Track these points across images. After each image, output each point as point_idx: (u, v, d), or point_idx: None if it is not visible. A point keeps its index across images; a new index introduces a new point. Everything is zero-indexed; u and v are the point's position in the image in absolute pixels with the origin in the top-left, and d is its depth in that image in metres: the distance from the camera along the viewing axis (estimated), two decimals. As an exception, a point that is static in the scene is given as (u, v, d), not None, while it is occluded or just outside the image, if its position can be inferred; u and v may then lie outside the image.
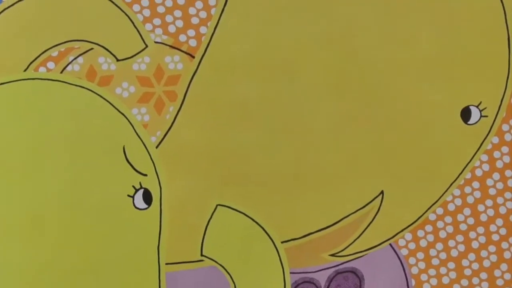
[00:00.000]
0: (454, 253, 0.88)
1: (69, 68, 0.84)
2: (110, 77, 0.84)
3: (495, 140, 0.88)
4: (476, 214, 0.88)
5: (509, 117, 0.88)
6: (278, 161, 0.86)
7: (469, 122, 0.87)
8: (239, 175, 0.85)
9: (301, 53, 0.85)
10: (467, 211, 0.88)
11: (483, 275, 0.89)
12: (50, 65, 0.84)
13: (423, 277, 0.89)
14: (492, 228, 0.88)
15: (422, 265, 0.88)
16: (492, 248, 0.88)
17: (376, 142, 0.86)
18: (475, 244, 0.88)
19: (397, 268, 0.88)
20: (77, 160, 0.83)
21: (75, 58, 0.84)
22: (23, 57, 0.83)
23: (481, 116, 0.87)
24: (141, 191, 0.84)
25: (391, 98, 0.86)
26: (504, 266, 0.89)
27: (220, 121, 0.85)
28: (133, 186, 0.84)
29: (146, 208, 0.84)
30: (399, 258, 0.88)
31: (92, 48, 0.84)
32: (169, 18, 0.85)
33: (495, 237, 0.88)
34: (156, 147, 0.85)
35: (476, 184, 0.88)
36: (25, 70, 0.84)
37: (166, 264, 0.85)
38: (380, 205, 0.87)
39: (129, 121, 0.84)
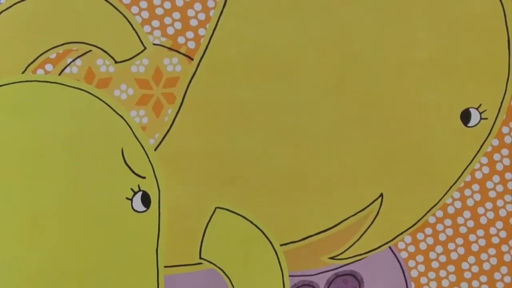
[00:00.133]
0: (454, 256, 0.88)
1: (67, 70, 0.84)
2: (109, 79, 0.84)
3: (495, 142, 0.88)
4: (476, 217, 0.88)
5: (509, 119, 0.87)
6: (277, 163, 0.86)
7: (469, 125, 0.87)
8: (238, 177, 0.85)
9: (300, 55, 0.85)
10: (467, 214, 0.88)
11: (483, 278, 0.88)
12: (48, 67, 0.84)
13: (423, 280, 0.88)
14: (492, 230, 0.88)
15: (421, 268, 0.88)
16: (492, 251, 0.88)
17: (376, 145, 0.86)
18: (475, 247, 0.88)
19: (397, 271, 0.88)
20: (75, 163, 0.83)
21: (73, 60, 0.84)
22: (21, 59, 0.83)
23: (481, 118, 0.87)
24: (140, 193, 0.83)
25: (390, 100, 0.86)
26: (504, 269, 0.88)
27: (219, 124, 0.85)
28: (132, 189, 0.83)
29: (144, 211, 0.84)
30: (398, 261, 0.88)
31: (90, 50, 0.84)
32: (167, 20, 0.85)
33: (495, 240, 0.88)
34: (155, 149, 0.85)
35: (476, 187, 0.88)
36: (23, 72, 0.83)
37: (165, 267, 0.85)
38: (380, 207, 0.87)
39: (127, 123, 0.84)
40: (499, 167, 0.88)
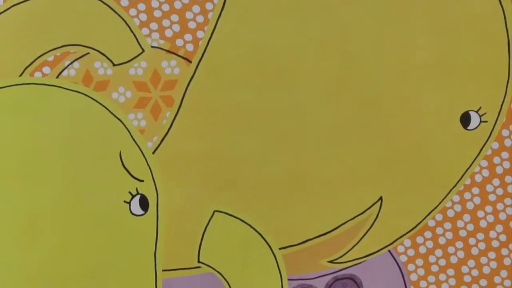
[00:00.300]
0: (453, 259, 0.88)
1: (65, 73, 0.84)
2: (107, 82, 0.84)
3: (495, 145, 0.87)
4: (475, 220, 0.88)
5: (509, 122, 0.87)
6: (276, 166, 0.85)
7: (468, 128, 0.87)
8: (237, 180, 0.85)
9: (299, 58, 0.85)
10: (466, 217, 0.88)
11: (483, 282, 0.88)
12: (46, 70, 0.84)
13: (422, 284, 0.88)
14: (492, 234, 0.88)
15: (421, 271, 0.88)
16: (492, 255, 0.88)
17: (375, 147, 0.86)
18: (474, 251, 0.88)
19: (396, 274, 0.88)
20: (73, 166, 0.83)
21: (71, 63, 0.84)
22: (18, 62, 0.83)
23: (480, 121, 0.87)
24: (138, 197, 0.83)
25: (390, 103, 0.86)
26: (504, 273, 0.88)
27: (218, 126, 0.85)
28: (130, 192, 0.83)
29: (142, 214, 0.84)
30: (398, 265, 0.88)
31: (88, 53, 0.84)
32: (166, 23, 0.85)
33: (495, 244, 0.88)
34: (153, 152, 0.84)
35: (475, 190, 0.87)
36: (20, 75, 0.83)
37: (163, 270, 0.85)
38: (379, 211, 0.86)
39: (125, 126, 0.84)
40: (499, 170, 0.88)
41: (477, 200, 0.88)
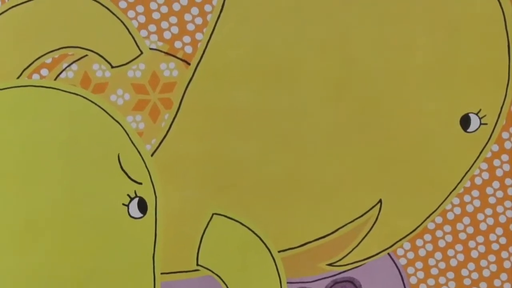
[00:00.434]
0: (453, 262, 0.88)
1: (63, 75, 0.84)
2: (105, 84, 0.84)
3: (495, 148, 0.87)
4: (475, 223, 0.88)
5: (509, 124, 0.87)
6: (275, 169, 0.85)
7: (468, 130, 0.87)
8: (236, 183, 0.85)
9: (299, 60, 0.85)
10: (466, 220, 0.87)
11: (483, 285, 0.88)
12: (44, 72, 0.84)
13: (422, 287, 0.88)
14: (492, 237, 0.88)
15: (421, 274, 0.88)
16: (492, 258, 0.88)
17: (374, 150, 0.86)
18: (474, 254, 0.88)
19: (396, 278, 0.88)
20: (71, 168, 0.83)
21: (69, 65, 0.84)
22: (16, 64, 0.83)
23: (480, 123, 0.87)
24: (136, 199, 0.83)
25: (389, 105, 0.86)
26: (504, 276, 0.88)
27: (217, 129, 0.85)
28: (128, 195, 0.83)
29: (141, 217, 0.83)
30: (397, 268, 0.87)
31: (86, 55, 0.84)
32: (164, 25, 0.84)
33: (495, 247, 0.88)
34: (151, 155, 0.84)
35: (475, 193, 0.87)
36: (18, 77, 0.83)
37: (162, 273, 0.84)
38: (379, 214, 0.86)
39: (124, 129, 0.84)
40: (499, 172, 0.87)
41: (477, 203, 0.87)
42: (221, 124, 0.85)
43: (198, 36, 0.85)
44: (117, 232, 0.83)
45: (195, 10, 0.85)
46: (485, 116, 0.87)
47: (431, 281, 0.88)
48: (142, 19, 0.84)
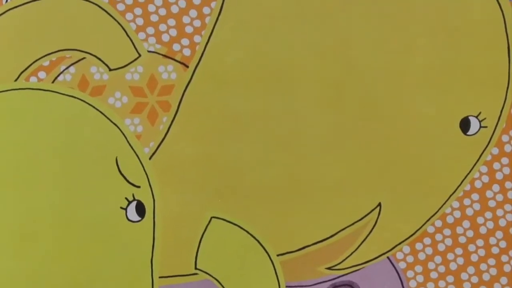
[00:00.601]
0: (453, 266, 0.88)
1: (60, 78, 0.84)
2: (103, 87, 0.84)
3: (495, 151, 0.87)
4: (475, 227, 0.87)
5: (509, 127, 0.87)
6: (274, 172, 0.85)
7: (468, 133, 0.86)
8: (234, 186, 0.85)
9: (297, 63, 0.85)
10: (466, 224, 0.87)
11: (483, 289, 0.88)
12: (41, 74, 0.83)
13: (422, 291, 0.88)
14: (492, 241, 0.87)
15: (420, 278, 0.88)
16: (491, 261, 0.88)
17: (373, 153, 0.86)
18: (474, 257, 0.88)
19: (395, 281, 0.87)
20: (68, 172, 0.83)
21: (67, 68, 0.84)
22: (13, 66, 0.83)
23: (480, 126, 0.86)
24: (134, 203, 0.83)
25: (388, 109, 0.85)
26: (504, 280, 0.88)
27: (215, 132, 0.84)
28: (126, 198, 0.83)
29: (139, 221, 0.83)
30: (396, 272, 0.87)
31: (84, 58, 0.84)
32: (162, 27, 0.84)
33: (495, 250, 0.88)
34: (150, 158, 0.84)
35: (475, 196, 0.87)
36: (15, 80, 0.83)
37: (160, 277, 0.84)
38: (378, 217, 0.86)
39: (122, 132, 0.84)
40: (499, 176, 0.87)
41: (476, 206, 0.87)
42: (219, 127, 0.84)
43: (197, 38, 0.85)
44: (115, 235, 0.83)
45: (193, 13, 0.84)
46: (485, 119, 0.86)
47: (430, 285, 0.88)
48: (140, 21, 0.84)
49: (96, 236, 0.83)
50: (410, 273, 0.87)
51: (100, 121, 0.83)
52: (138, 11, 0.84)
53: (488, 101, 0.86)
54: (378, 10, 0.85)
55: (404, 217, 0.86)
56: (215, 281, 0.85)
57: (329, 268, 0.87)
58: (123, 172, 0.83)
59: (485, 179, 0.87)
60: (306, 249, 0.86)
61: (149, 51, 0.84)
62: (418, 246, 0.87)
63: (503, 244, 0.88)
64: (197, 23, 0.85)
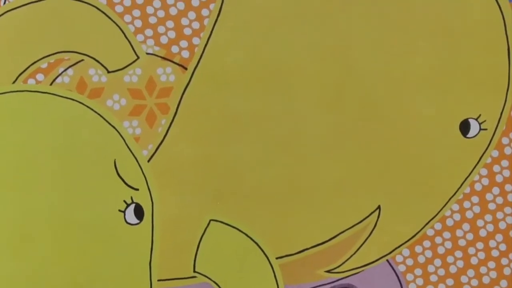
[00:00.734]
0: (452, 269, 0.87)
1: (58, 80, 0.83)
2: (101, 89, 0.84)
3: (495, 153, 0.87)
4: (475, 230, 0.87)
5: (509, 130, 0.87)
6: (273, 175, 0.85)
7: (468, 135, 0.86)
8: (233, 189, 0.85)
9: (296, 65, 0.84)
10: (466, 227, 0.87)
11: (483, 292, 0.88)
12: (40, 77, 0.83)
13: (421, 294, 0.88)
14: (492, 243, 0.87)
15: (420, 281, 0.87)
16: (491, 264, 0.87)
17: (373, 155, 0.86)
18: (474, 260, 0.87)
19: (394, 284, 0.87)
20: (67, 174, 0.83)
21: (65, 70, 0.84)
22: (11, 69, 0.83)
23: (480, 129, 0.86)
24: (133, 206, 0.83)
25: (388, 110, 0.85)
26: (504, 283, 0.88)
27: (214, 134, 0.84)
28: (124, 201, 0.83)
29: (137, 224, 0.83)
30: (396, 275, 0.87)
31: (82, 60, 0.84)
32: (161, 29, 0.84)
33: (495, 253, 0.87)
34: (148, 161, 0.84)
35: (475, 199, 0.87)
36: (13, 82, 0.83)
37: (158, 280, 0.84)
38: (377, 220, 0.86)
39: (120, 134, 0.83)
40: (498, 178, 0.87)
41: (476, 209, 0.87)
42: (218, 129, 0.84)
43: (195, 40, 0.84)
44: (114, 238, 0.83)
45: (192, 15, 0.84)
46: (485, 121, 0.86)
47: (430, 288, 0.88)
48: (138, 23, 0.84)
49: (94, 239, 0.83)
50: (409, 276, 0.87)
51: (98, 123, 0.83)
52: (136, 13, 0.84)
53: (488, 103, 0.86)
54: (377, 11, 0.85)
55: (404, 220, 0.86)
56: (214, 284, 0.85)
57: (328, 271, 0.86)
58: (121, 175, 0.83)
59: (485, 181, 0.87)
60: (305, 252, 0.85)
61: (147, 53, 0.84)
62: (418, 249, 0.87)
63: (503, 247, 0.87)
64: (196, 25, 0.84)
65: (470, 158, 0.86)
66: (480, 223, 0.87)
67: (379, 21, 0.85)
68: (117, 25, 0.83)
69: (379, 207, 0.86)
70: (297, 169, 0.85)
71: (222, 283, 0.85)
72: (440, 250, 0.87)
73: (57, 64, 0.83)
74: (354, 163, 0.86)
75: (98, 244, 0.83)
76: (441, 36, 0.85)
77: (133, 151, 0.83)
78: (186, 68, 0.84)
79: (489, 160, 0.87)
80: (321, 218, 0.85)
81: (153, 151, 0.84)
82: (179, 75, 0.84)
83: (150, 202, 0.83)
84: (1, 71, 0.83)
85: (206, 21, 0.84)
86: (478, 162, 0.87)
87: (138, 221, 0.83)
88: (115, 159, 0.83)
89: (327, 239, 0.86)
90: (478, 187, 0.87)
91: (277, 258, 0.85)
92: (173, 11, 0.84)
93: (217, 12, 0.84)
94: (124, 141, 0.83)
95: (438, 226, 0.87)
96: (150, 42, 0.84)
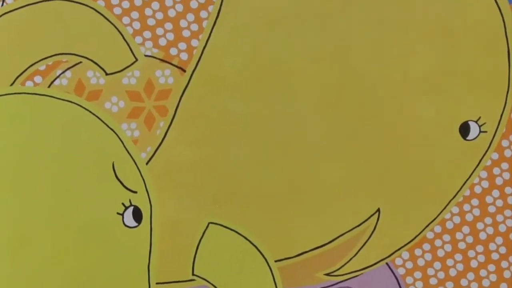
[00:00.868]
0: (452, 272, 0.87)
1: (57, 82, 0.83)
2: (99, 91, 0.83)
3: (495, 156, 0.87)
4: (475, 232, 0.87)
5: (509, 132, 0.86)
6: (272, 177, 0.85)
7: (468, 138, 0.86)
8: (232, 192, 0.84)
9: (295, 67, 0.84)
10: (466, 229, 0.87)
11: (483, 295, 0.88)
12: (37, 79, 0.83)
13: (421, 297, 0.88)
14: (492, 246, 0.87)
15: (419, 284, 0.87)
16: (491, 267, 0.87)
17: (372, 158, 0.85)
18: (474, 263, 0.87)
19: (394, 287, 0.87)
20: (65, 177, 0.83)
21: (63, 72, 0.83)
22: (9, 71, 0.83)
23: (480, 131, 0.86)
24: (131, 208, 0.83)
25: (387, 113, 0.85)
26: (503, 286, 0.87)
27: (212, 137, 0.84)
28: (123, 204, 0.83)
29: (136, 226, 0.83)
30: (396, 278, 0.87)
31: (80, 62, 0.83)
32: (159, 31, 0.84)
33: (495, 256, 0.87)
34: (146, 163, 0.84)
35: (475, 202, 0.87)
36: (11, 84, 0.83)
37: (157, 283, 0.84)
38: (377, 223, 0.86)
39: (118, 136, 0.83)
40: (498, 181, 0.87)
41: (476, 212, 0.87)
42: (217, 132, 0.84)
43: (194, 42, 0.84)
44: (112, 241, 0.83)
45: (190, 17, 0.84)
46: (484, 123, 0.86)
47: (430, 291, 0.88)
48: (137, 25, 0.84)
49: (93, 242, 0.83)
50: (409, 279, 0.87)
51: (97, 126, 0.83)
52: (135, 15, 0.84)
53: (488, 105, 0.86)
54: (377, 14, 0.85)
55: (403, 223, 0.86)
56: (212, 287, 0.85)
57: (327, 274, 0.86)
58: (120, 178, 0.83)
59: (485, 184, 0.87)
60: (305, 255, 0.85)
61: (146, 55, 0.84)
62: (417, 252, 0.87)
63: (503, 250, 0.87)
64: (195, 27, 0.84)
65: (470, 161, 0.86)
66: (480, 226, 0.87)
67: (379, 22, 0.85)
68: (115, 27, 0.83)
69: (378, 210, 0.86)
70: (296, 171, 0.85)
71: (221, 286, 0.84)
72: (440, 253, 0.87)
73: (55, 66, 0.83)
74: (353, 166, 0.85)
75: (97, 246, 0.83)
76: (441, 38, 0.85)
77: (131, 154, 0.83)
78: (184, 70, 0.84)
79: (489, 163, 0.87)
80: (320, 221, 0.85)
81: (152, 153, 0.84)
82: (177, 77, 0.84)
83: (149, 205, 0.83)
84: (-1, 73, 0.83)
85: (204, 23, 0.84)
86: (478, 165, 0.86)
87: (136, 224, 0.83)
88: (113, 162, 0.83)
89: (326, 242, 0.86)
90: (478, 189, 0.87)
91: (276, 261, 0.85)
92: (171, 13, 0.84)
93: (216, 14, 0.84)
94: (123, 143, 0.83)
95: (438, 229, 0.87)
96: (149, 44, 0.84)
